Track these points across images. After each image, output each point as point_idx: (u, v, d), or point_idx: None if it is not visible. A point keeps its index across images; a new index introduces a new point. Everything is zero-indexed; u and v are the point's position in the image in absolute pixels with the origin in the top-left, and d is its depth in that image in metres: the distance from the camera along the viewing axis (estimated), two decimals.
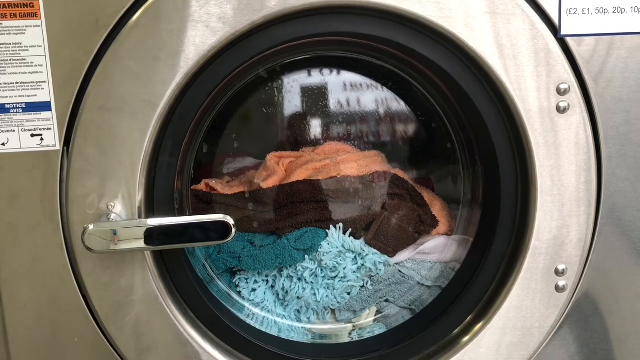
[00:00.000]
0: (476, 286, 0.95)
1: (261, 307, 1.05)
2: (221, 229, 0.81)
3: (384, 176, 1.11)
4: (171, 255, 0.88)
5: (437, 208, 1.11)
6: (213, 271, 1.05)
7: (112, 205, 0.82)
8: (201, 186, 1.11)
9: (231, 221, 0.81)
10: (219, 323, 0.91)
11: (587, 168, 0.89)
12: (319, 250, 1.02)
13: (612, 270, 0.94)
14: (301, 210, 1.05)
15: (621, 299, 0.95)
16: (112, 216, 0.82)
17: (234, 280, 1.06)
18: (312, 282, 1.04)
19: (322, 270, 1.03)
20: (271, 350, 0.93)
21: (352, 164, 1.09)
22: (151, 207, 0.86)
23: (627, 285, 0.95)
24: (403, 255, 1.08)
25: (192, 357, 0.89)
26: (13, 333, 0.86)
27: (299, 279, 1.04)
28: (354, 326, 1.08)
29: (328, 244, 1.03)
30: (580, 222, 0.91)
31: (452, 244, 1.08)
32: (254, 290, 1.04)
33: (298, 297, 1.04)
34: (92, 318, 0.86)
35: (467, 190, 1.11)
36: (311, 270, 1.03)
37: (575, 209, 0.90)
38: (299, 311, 1.07)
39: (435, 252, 1.08)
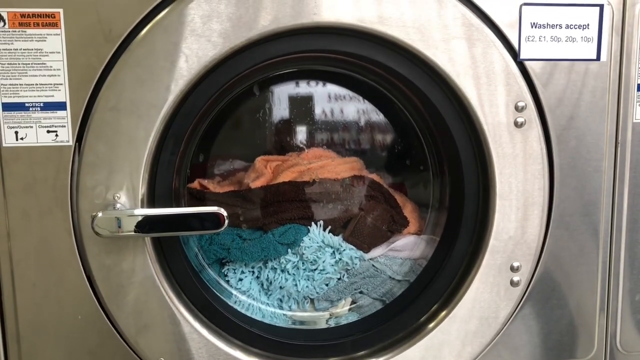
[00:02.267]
0: (441, 279, 1.03)
1: (247, 295, 1.12)
2: (215, 220, 0.89)
3: (361, 180, 1.19)
4: (169, 243, 0.95)
5: (408, 210, 1.20)
6: (204, 261, 1.12)
7: (117, 196, 0.89)
8: (195, 185, 1.18)
9: (224, 213, 0.89)
10: (210, 306, 0.99)
11: (541, 176, 0.98)
12: (301, 244, 1.10)
13: (561, 268, 1.04)
14: (285, 209, 1.12)
15: (568, 295, 1.05)
16: (118, 206, 0.89)
17: (222, 270, 1.13)
18: (294, 274, 1.11)
19: (303, 263, 1.11)
20: (255, 332, 1.01)
21: (333, 168, 1.17)
22: (152, 199, 0.93)
23: (573, 283, 1.05)
24: (377, 252, 1.15)
25: (185, 336, 0.96)
26: (22, 309, 0.92)
27: (282, 271, 1.11)
28: (330, 314, 1.15)
29: (309, 239, 1.10)
30: (533, 225, 1.00)
31: (421, 243, 1.17)
32: (240, 279, 1.11)
33: (281, 287, 1.11)
34: (94, 298, 0.93)
35: (435, 196, 1.19)
36: (293, 263, 1.10)
37: (529, 212, 0.99)
38: (281, 300, 1.14)
39: (406, 250, 1.16)
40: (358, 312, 1.14)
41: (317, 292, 1.14)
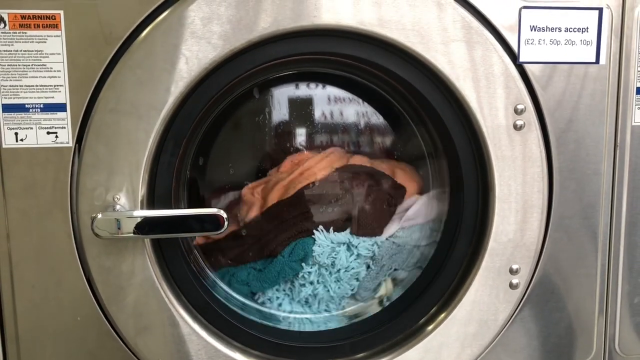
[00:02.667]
0: (440, 281, 1.03)
1: (294, 313, 1.13)
2: (215, 221, 0.89)
3: (344, 169, 1.16)
4: (169, 245, 0.95)
5: (400, 175, 1.16)
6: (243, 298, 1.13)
7: (117, 198, 0.89)
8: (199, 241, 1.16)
9: (224, 215, 0.89)
10: (209, 308, 0.99)
11: (540, 179, 0.98)
12: (313, 254, 1.09)
13: (560, 271, 1.04)
14: (284, 229, 1.11)
15: (567, 298, 1.05)
16: (117, 207, 0.89)
17: (259, 302, 1.14)
18: (322, 281, 1.11)
19: (325, 269, 1.10)
20: (255, 334, 1.01)
21: (314, 168, 1.15)
22: (152, 201, 0.93)
23: (572, 285, 1.05)
24: (392, 228, 1.14)
25: (184, 338, 0.96)
26: (22, 311, 0.92)
27: (310, 283, 1.11)
28: (379, 298, 1.15)
29: (319, 246, 1.09)
30: (532, 228, 1.00)
31: (432, 202, 1.14)
32: (280, 304, 1.13)
33: (315, 296, 1.12)
34: (94, 299, 0.93)
35: (428, 146, 1.16)
36: (316, 272, 1.10)
37: (529, 215, 0.99)
38: (318, 304, 1.14)
39: (420, 216, 1.14)
40: (401, 286, 1.14)
41: (351, 290, 1.13)
